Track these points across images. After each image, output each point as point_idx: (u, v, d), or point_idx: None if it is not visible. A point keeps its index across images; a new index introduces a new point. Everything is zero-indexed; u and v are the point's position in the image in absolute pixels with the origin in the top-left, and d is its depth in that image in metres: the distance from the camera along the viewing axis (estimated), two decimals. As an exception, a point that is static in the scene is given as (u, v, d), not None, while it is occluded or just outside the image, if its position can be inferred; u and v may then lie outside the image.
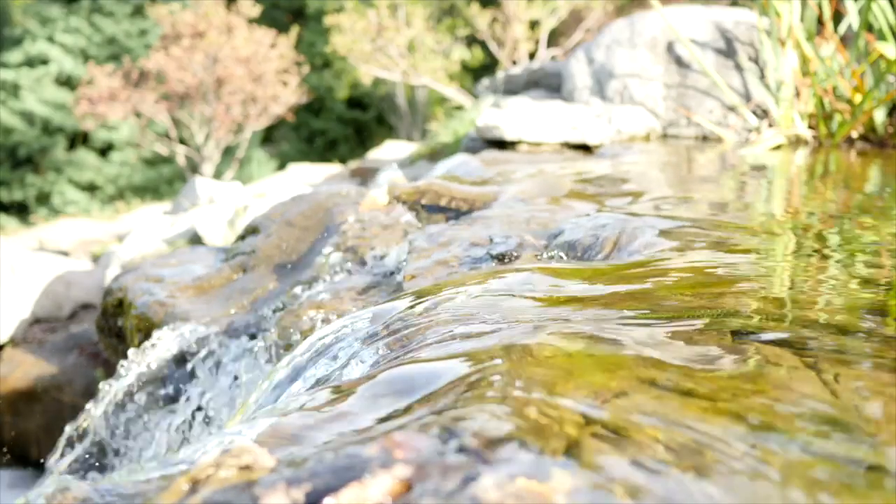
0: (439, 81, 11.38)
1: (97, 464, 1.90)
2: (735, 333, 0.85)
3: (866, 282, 1.11)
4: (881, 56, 3.12)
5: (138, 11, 16.01)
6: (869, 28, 3.40)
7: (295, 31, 12.99)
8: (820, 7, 3.47)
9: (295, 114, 13.12)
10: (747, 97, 3.54)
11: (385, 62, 11.31)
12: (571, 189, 2.10)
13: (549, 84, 4.57)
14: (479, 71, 13.79)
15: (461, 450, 0.56)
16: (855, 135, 3.35)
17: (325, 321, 1.61)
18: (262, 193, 5.44)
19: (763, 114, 3.51)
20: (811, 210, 1.94)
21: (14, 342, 4.16)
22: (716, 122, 3.52)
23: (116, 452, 1.88)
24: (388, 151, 8.03)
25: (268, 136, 16.98)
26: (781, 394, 0.69)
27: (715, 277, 1.11)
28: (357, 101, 17.23)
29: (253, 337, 1.82)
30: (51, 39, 15.76)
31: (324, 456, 0.58)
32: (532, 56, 11.50)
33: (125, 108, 11.31)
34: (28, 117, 15.18)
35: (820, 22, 3.50)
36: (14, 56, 15.52)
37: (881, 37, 3.33)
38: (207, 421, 1.77)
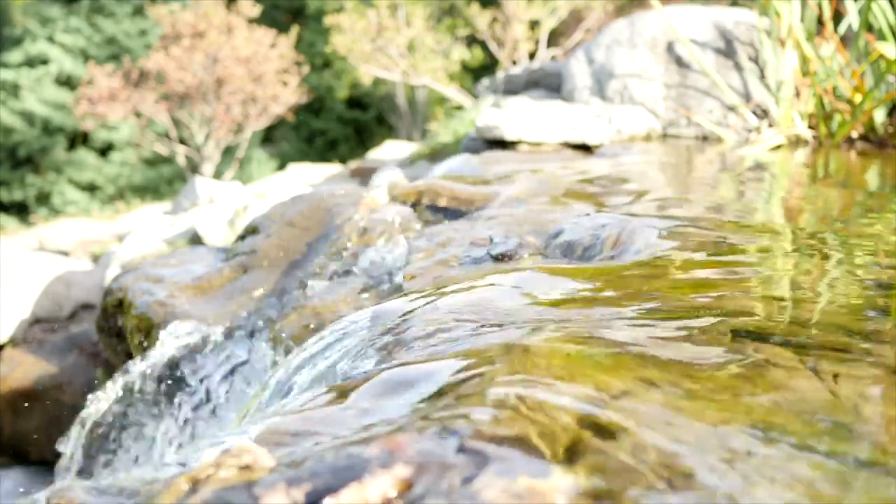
0: (439, 81, 11.38)
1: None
2: (735, 333, 0.85)
3: (866, 281, 1.11)
4: (881, 56, 3.12)
5: (138, 11, 16.00)
6: (869, 28, 3.40)
7: (295, 31, 12.97)
8: (820, 7, 3.47)
9: (295, 114, 13.11)
10: (747, 97, 3.53)
11: (385, 62, 11.31)
12: (571, 189, 2.10)
13: (549, 84, 4.57)
14: (479, 71, 13.78)
15: (461, 450, 0.56)
16: (855, 135, 3.35)
17: (326, 321, 1.61)
18: (262, 193, 5.44)
19: (763, 114, 3.50)
20: (811, 210, 1.94)
21: (14, 342, 4.16)
22: (716, 122, 3.51)
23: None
24: (388, 151, 8.02)
25: (268, 136, 16.97)
26: (781, 393, 0.69)
27: (715, 277, 1.11)
28: (357, 101, 17.21)
29: (252, 336, 1.82)
30: (51, 39, 15.74)
31: (324, 456, 0.58)
32: (532, 56, 11.49)
33: (125, 108, 11.30)
34: (28, 117, 15.17)
35: (820, 22, 3.50)
36: (14, 56, 15.50)
37: (881, 37, 3.33)
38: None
